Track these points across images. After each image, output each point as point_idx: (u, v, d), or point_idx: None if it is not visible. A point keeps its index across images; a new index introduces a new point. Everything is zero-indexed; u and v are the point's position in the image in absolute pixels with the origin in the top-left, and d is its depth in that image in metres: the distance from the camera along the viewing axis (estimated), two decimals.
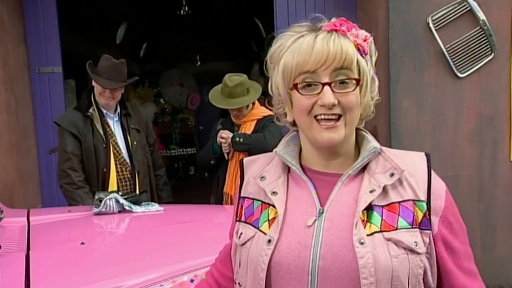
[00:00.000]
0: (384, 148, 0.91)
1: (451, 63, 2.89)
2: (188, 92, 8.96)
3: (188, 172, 8.27)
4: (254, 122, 2.62)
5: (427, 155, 0.90)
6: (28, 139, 3.43)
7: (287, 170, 0.90)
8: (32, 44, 3.51)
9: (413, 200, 0.82)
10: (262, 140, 2.47)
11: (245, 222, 0.88)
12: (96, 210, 1.66)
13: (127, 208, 1.68)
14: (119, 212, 1.67)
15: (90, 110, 2.37)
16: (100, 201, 1.64)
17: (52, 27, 3.53)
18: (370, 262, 0.75)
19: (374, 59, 0.91)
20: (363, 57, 0.86)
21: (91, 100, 2.39)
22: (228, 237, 1.00)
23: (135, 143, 2.46)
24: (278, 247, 0.80)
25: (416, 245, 0.78)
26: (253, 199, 0.89)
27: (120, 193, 1.78)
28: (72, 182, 2.23)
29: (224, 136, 2.50)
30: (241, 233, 0.87)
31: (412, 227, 0.80)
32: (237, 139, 2.46)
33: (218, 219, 1.75)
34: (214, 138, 2.58)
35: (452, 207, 0.89)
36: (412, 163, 0.88)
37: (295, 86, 0.82)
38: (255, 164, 0.96)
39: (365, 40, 0.87)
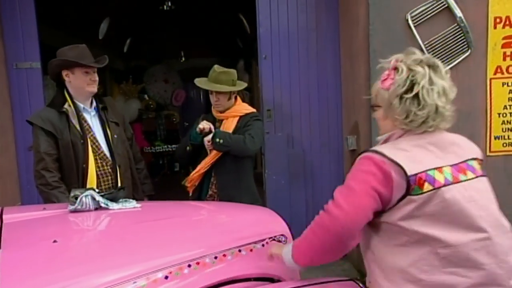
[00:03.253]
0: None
1: None
2: (172, 88, 8.90)
3: (173, 168, 8.23)
4: (236, 118, 2.62)
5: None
6: (6, 136, 3.37)
7: None
8: (10, 39, 3.44)
9: None
10: (242, 144, 2.48)
11: None
12: (71, 207, 1.64)
13: (103, 205, 1.67)
14: (96, 209, 1.66)
15: (65, 106, 2.31)
16: (76, 198, 1.62)
17: (30, 22, 3.47)
18: None
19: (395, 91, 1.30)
20: (385, 89, 1.31)
21: (65, 96, 2.34)
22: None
23: (115, 136, 2.42)
24: None
25: None
26: None
27: (96, 190, 1.76)
28: (47, 183, 2.19)
29: (206, 126, 2.49)
30: None
31: None
32: (217, 139, 2.46)
33: (194, 216, 1.75)
34: (195, 126, 2.58)
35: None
36: None
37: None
38: None
39: (384, 80, 1.34)
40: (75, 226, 1.57)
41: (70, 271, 1.11)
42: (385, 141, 1.33)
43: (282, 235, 1.60)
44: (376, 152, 1.24)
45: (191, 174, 2.58)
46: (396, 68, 1.30)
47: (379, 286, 1.26)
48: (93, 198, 1.64)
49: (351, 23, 3.33)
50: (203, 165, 2.55)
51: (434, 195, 1.21)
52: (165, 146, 7.94)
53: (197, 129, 2.52)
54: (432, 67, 1.29)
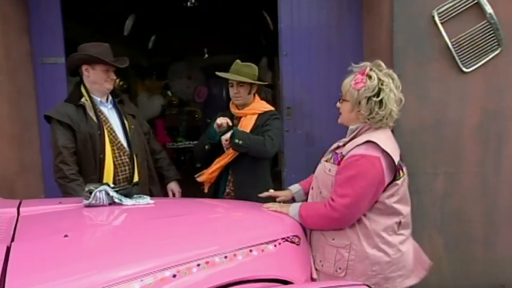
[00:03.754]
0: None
1: (456, 58, 2.82)
2: (195, 85, 8.94)
3: (195, 164, 8.26)
4: (255, 116, 2.58)
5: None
6: (31, 131, 3.44)
7: None
8: (36, 35, 3.51)
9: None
10: (261, 147, 2.43)
11: None
12: (86, 202, 1.65)
13: (116, 200, 1.67)
14: (110, 204, 1.66)
15: (82, 100, 2.35)
16: (90, 193, 1.63)
17: (55, 18, 3.53)
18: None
19: (364, 93, 1.66)
20: (355, 89, 1.67)
21: (82, 92, 2.38)
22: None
23: (132, 126, 2.45)
24: None
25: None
26: None
27: (111, 185, 1.77)
28: (65, 176, 2.22)
29: (223, 121, 2.46)
30: None
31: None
32: (236, 140, 2.40)
33: (207, 214, 1.74)
34: (212, 124, 2.55)
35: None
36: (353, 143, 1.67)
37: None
38: None
39: (356, 83, 1.68)
40: (87, 221, 1.58)
41: (75, 266, 1.11)
42: (358, 131, 1.69)
43: (295, 235, 1.56)
44: (382, 153, 1.61)
45: (207, 172, 2.56)
46: (369, 75, 1.65)
47: (361, 247, 1.65)
48: (107, 193, 1.65)
49: (374, 19, 3.25)
50: (220, 165, 2.52)
51: (404, 180, 1.70)
52: (187, 142, 7.98)
53: (215, 126, 2.49)
54: (393, 79, 1.68)
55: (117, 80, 7.41)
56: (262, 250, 1.40)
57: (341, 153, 1.68)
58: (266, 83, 2.77)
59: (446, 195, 2.90)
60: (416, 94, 2.85)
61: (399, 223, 1.68)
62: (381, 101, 1.63)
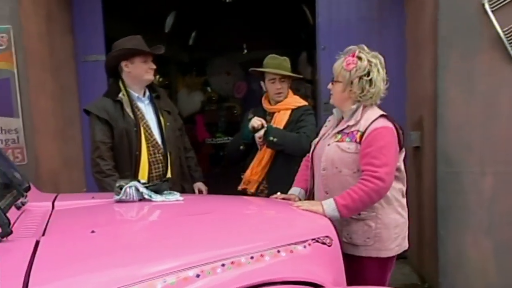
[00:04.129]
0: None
1: (509, 49, 2.63)
2: (234, 81, 8.96)
3: None
4: (289, 112, 2.53)
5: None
6: (73, 126, 3.56)
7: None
8: (78, 34, 3.62)
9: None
10: (297, 144, 2.37)
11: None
12: (117, 197, 1.67)
13: (146, 196, 1.67)
14: (140, 200, 1.67)
15: (120, 95, 2.37)
16: (121, 189, 1.65)
17: (97, 16, 3.62)
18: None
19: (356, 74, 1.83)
20: (346, 70, 1.84)
21: (120, 86, 2.40)
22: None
23: (168, 124, 2.46)
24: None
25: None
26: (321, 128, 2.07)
27: (142, 181, 1.77)
28: (101, 171, 2.26)
29: (258, 123, 2.41)
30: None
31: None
32: (271, 138, 2.35)
33: (236, 212, 1.70)
34: (246, 124, 2.51)
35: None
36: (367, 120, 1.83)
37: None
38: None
39: (348, 64, 1.83)
40: (114, 216, 1.59)
41: (96, 263, 1.10)
42: (355, 111, 1.84)
43: (327, 236, 1.49)
44: (392, 124, 1.81)
45: (252, 179, 2.50)
46: (359, 57, 1.81)
47: (385, 214, 1.81)
48: (137, 189, 1.66)
49: (417, 8, 3.09)
50: (262, 166, 2.46)
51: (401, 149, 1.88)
52: (226, 138, 8.01)
53: (249, 127, 2.45)
54: (380, 61, 1.85)
55: (157, 77, 7.58)
56: (291, 251, 1.35)
57: (357, 130, 1.81)
58: (301, 76, 2.71)
59: (495, 196, 2.72)
60: (462, 87, 2.68)
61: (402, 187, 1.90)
62: (371, 80, 1.80)
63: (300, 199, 1.99)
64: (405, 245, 1.91)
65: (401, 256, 3.53)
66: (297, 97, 2.64)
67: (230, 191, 2.44)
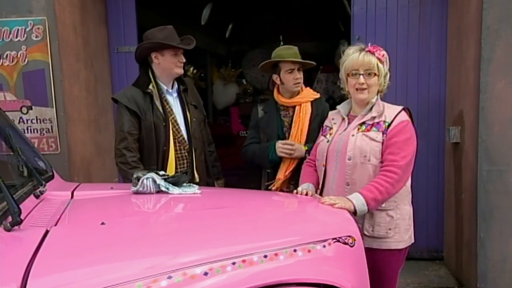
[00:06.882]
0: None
1: None
2: (269, 73, 8.87)
3: None
4: (309, 103, 2.43)
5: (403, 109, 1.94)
6: (106, 115, 3.61)
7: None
8: (112, 25, 3.66)
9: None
10: None
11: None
12: (134, 189, 1.64)
13: (163, 188, 1.64)
14: (157, 192, 1.64)
15: (150, 87, 2.34)
16: (138, 180, 1.62)
17: (130, 7, 3.64)
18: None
19: (387, 65, 1.95)
20: (381, 63, 1.91)
21: (149, 77, 2.37)
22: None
23: (194, 119, 2.42)
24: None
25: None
26: (327, 126, 2.08)
27: (160, 173, 1.74)
28: (126, 162, 2.24)
29: (291, 152, 2.31)
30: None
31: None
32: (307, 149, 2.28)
33: (253, 207, 1.63)
34: (272, 146, 2.36)
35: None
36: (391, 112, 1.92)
37: (348, 75, 1.93)
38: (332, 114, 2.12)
39: (383, 55, 1.91)
40: (128, 208, 1.56)
41: (99, 256, 1.07)
42: (375, 103, 1.92)
43: (349, 236, 1.40)
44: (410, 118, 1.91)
45: (279, 181, 2.39)
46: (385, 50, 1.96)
47: (403, 205, 1.89)
48: (154, 181, 1.62)
49: None
50: (291, 170, 2.37)
51: None
52: None
53: (278, 153, 2.32)
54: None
55: (191, 68, 7.60)
56: (309, 251, 1.27)
57: (383, 121, 1.87)
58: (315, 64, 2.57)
59: None
60: (507, 80, 2.48)
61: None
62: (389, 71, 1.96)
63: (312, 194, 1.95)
64: (413, 238, 1.96)
65: (437, 257, 3.39)
66: (309, 88, 2.55)
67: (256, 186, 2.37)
